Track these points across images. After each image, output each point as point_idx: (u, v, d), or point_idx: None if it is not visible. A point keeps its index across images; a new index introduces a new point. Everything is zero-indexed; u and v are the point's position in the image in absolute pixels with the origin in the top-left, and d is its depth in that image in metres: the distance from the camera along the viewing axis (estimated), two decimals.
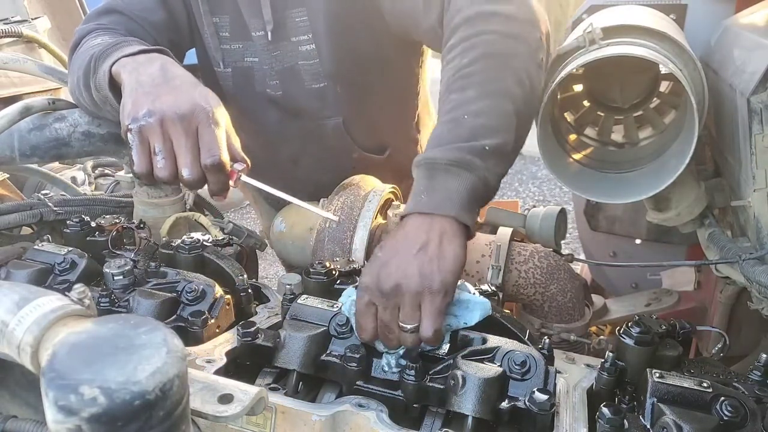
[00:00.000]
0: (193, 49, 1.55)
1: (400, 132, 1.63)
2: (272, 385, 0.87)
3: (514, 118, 0.96)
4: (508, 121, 0.96)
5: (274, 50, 1.42)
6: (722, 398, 0.74)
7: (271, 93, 1.48)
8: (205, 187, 1.03)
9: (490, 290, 1.01)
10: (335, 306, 0.92)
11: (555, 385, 0.83)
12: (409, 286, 0.83)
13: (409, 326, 0.83)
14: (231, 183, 1.02)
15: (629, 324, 0.87)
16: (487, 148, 0.91)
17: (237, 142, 1.06)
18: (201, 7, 1.42)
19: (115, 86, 1.12)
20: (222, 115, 1.03)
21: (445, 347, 0.88)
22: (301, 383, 0.87)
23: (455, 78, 1.00)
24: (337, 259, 1.14)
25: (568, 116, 1.48)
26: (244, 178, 1.04)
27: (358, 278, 1.05)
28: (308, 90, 1.44)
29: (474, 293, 0.90)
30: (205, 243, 1.14)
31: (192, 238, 1.13)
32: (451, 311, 0.87)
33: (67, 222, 1.17)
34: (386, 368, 0.86)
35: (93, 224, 1.18)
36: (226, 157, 1.00)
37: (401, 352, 0.87)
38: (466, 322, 0.87)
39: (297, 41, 1.39)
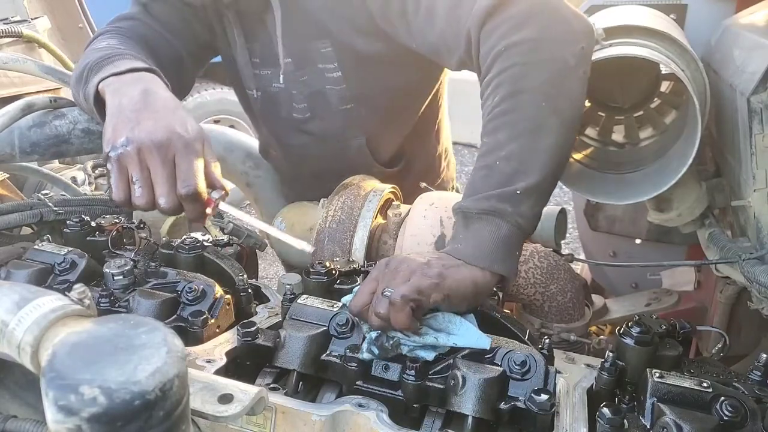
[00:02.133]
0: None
1: (421, 146, 1.66)
2: (272, 385, 0.86)
3: (548, 152, 0.95)
4: (542, 158, 0.95)
5: (302, 76, 1.44)
6: (722, 398, 0.74)
7: (297, 116, 1.50)
8: None
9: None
10: (335, 306, 0.92)
11: (555, 385, 0.83)
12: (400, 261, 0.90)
13: (387, 292, 0.84)
14: (208, 210, 1.02)
15: (629, 324, 0.87)
16: (518, 192, 0.92)
17: (217, 169, 1.05)
18: (235, 33, 1.44)
19: (99, 102, 1.12)
20: (200, 141, 1.02)
21: (430, 356, 0.85)
22: (301, 383, 0.87)
23: (487, 120, 1.00)
24: (337, 259, 1.14)
25: None
26: (222, 206, 1.04)
27: (358, 278, 1.06)
28: (335, 111, 1.46)
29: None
30: (205, 243, 1.14)
31: (192, 238, 1.13)
32: (449, 328, 0.87)
33: (67, 222, 1.17)
34: (365, 353, 0.85)
35: (93, 224, 1.18)
36: (202, 187, 0.99)
37: (373, 335, 0.85)
38: (455, 343, 0.86)
39: (323, 68, 1.41)
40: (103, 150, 1.01)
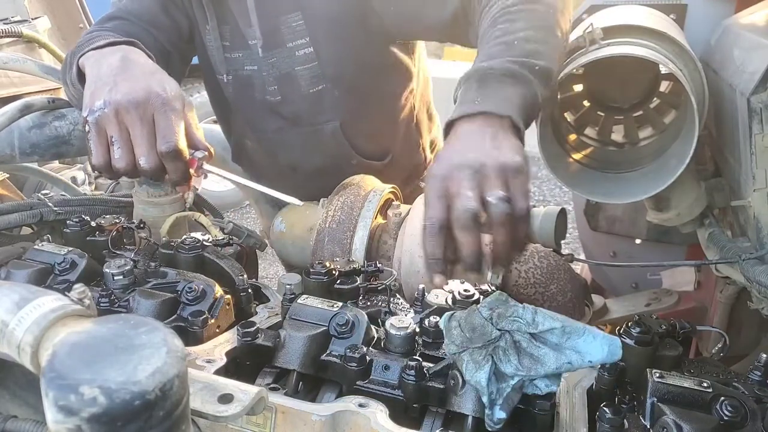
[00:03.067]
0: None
1: (400, 136, 1.63)
2: (272, 385, 0.86)
3: (557, 51, 1.02)
4: (553, 53, 1.00)
5: (270, 57, 1.43)
6: (722, 398, 0.74)
7: (270, 99, 1.49)
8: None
9: (490, 290, 1.01)
10: (335, 306, 0.92)
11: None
12: (489, 163, 0.80)
13: (496, 197, 0.75)
14: (192, 171, 0.99)
15: (629, 324, 0.87)
16: (537, 67, 0.93)
17: (199, 131, 1.03)
18: (207, 15, 1.43)
19: (83, 79, 1.10)
20: (179, 101, 1.01)
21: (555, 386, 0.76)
22: (301, 383, 0.87)
23: (500, 14, 1.03)
24: (337, 259, 1.14)
25: (568, 116, 1.48)
26: (207, 166, 1.01)
27: (358, 278, 1.06)
28: (305, 94, 1.45)
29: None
30: (205, 243, 1.14)
31: (192, 238, 1.13)
32: (573, 346, 0.74)
33: (67, 222, 1.17)
34: (495, 418, 0.73)
35: (93, 224, 1.18)
36: (183, 145, 0.97)
37: (499, 394, 0.73)
38: (590, 360, 0.74)
39: (293, 46, 1.40)
40: (81, 116, 0.99)
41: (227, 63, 1.49)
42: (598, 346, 0.73)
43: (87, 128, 0.98)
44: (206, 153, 1.01)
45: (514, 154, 0.83)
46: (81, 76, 1.11)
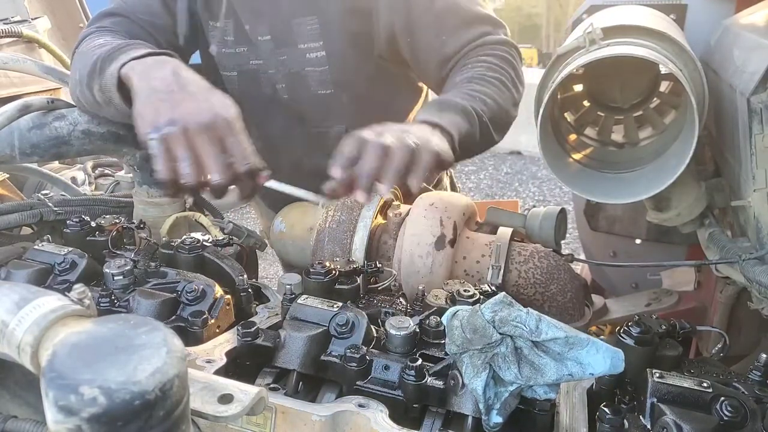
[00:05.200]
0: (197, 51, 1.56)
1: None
2: (272, 385, 0.86)
3: (497, 117, 1.25)
4: (495, 117, 1.24)
5: (281, 55, 1.43)
6: (722, 398, 0.74)
7: (277, 96, 1.49)
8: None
9: (490, 290, 1.01)
10: (335, 306, 0.92)
11: None
12: (423, 143, 1.01)
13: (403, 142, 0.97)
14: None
15: (629, 324, 0.87)
16: (483, 118, 1.19)
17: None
18: (205, 12, 1.43)
19: (122, 89, 1.11)
20: (239, 120, 1.04)
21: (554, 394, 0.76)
22: (301, 383, 0.87)
23: (480, 76, 1.26)
24: (337, 259, 1.14)
25: (568, 116, 1.48)
26: (269, 183, 1.06)
27: (358, 278, 1.06)
28: (314, 95, 1.45)
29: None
30: (205, 243, 1.14)
31: (192, 238, 1.13)
32: (576, 357, 0.74)
33: (67, 222, 1.17)
34: (492, 422, 0.74)
35: (93, 224, 1.18)
36: (258, 163, 1.02)
37: (496, 399, 0.74)
38: (592, 373, 0.73)
39: (305, 48, 1.40)
40: (140, 132, 1.02)
41: (230, 58, 1.49)
42: (600, 359, 0.73)
43: (153, 145, 0.99)
44: (265, 167, 1.06)
45: (443, 148, 1.05)
46: (120, 86, 1.12)
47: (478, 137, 1.19)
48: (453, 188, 1.93)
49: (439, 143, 1.05)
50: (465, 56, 1.33)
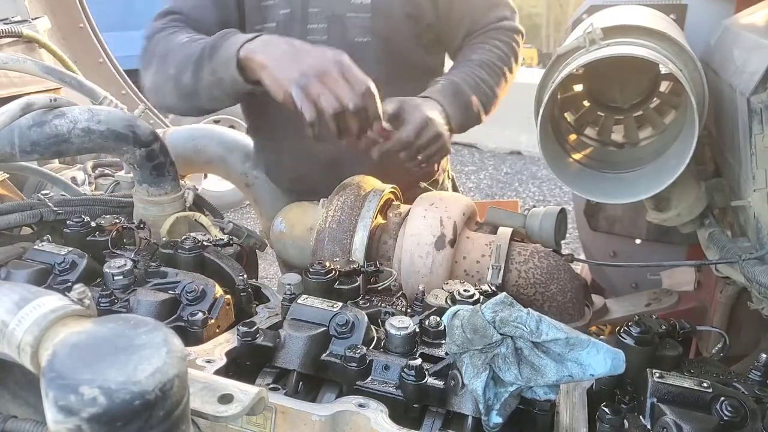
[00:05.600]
0: None
1: None
2: (272, 385, 0.86)
3: (489, 102, 1.55)
4: (488, 103, 1.54)
5: None
6: (722, 398, 0.74)
7: (311, 38, 1.56)
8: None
9: (490, 290, 1.01)
10: (335, 306, 0.92)
11: None
12: (419, 114, 1.35)
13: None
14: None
15: (629, 324, 0.87)
16: (480, 105, 1.51)
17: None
18: None
19: (242, 69, 1.29)
20: (347, 58, 1.24)
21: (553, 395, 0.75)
22: (301, 383, 0.87)
23: (489, 63, 1.55)
24: (337, 259, 1.14)
25: (568, 116, 1.48)
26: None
27: (358, 278, 1.06)
28: (351, 42, 1.55)
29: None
30: (205, 243, 1.14)
31: (192, 238, 1.13)
32: (576, 358, 0.73)
33: (67, 222, 1.17)
34: (492, 422, 0.74)
35: (93, 224, 1.18)
36: (371, 84, 1.22)
37: (496, 399, 0.74)
38: (592, 374, 0.73)
39: None
40: (280, 91, 1.23)
41: (265, 11, 1.57)
42: (601, 360, 0.73)
43: (295, 94, 1.19)
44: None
45: (440, 123, 1.37)
46: (239, 66, 1.30)
47: (469, 123, 1.51)
48: (455, 189, 1.94)
49: (446, 132, 1.38)
50: (485, 34, 1.60)
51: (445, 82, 1.50)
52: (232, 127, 3.95)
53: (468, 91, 1.48)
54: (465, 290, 0.97)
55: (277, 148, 1.76)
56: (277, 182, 1.82)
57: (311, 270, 1.02)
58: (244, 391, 0.65)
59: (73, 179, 1.90)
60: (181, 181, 1.45)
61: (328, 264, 1.03)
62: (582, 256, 2.05)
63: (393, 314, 0.98)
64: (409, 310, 1.02)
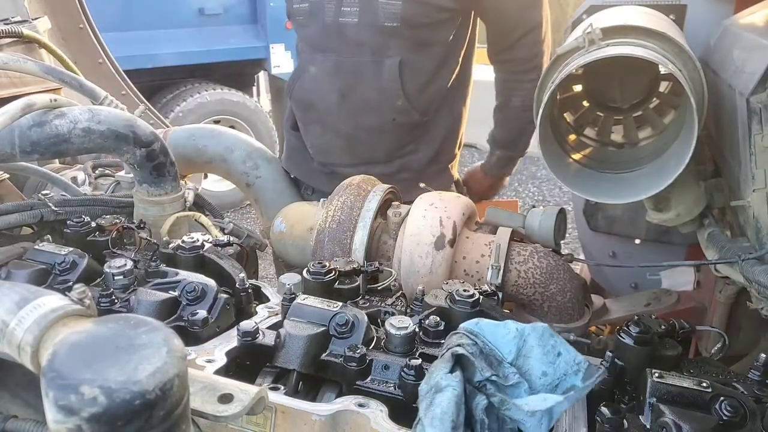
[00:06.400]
0: None
1: (439, 95, 1.87)
2: (272, 385, 0.86)
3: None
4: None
5: None
6: (721, 398, 0.74)
7: (342, 20, 1.68)
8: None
9: (489, 290, 1.01)
10: (335, 306, 0.92)
11: None
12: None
13: None
14: None
15: (628, 324, 0.87)
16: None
17: None
18: None
19: None
20: None
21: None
22: (301, 383, 0.87)
23: (515, 116, 1.94)
24: (337, 259, 1.14)
25: (568, 116, 1.48)
26: None
27: (358, 278, 1.06)
28: (381, 27, 1.65)
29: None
30: (205, 243, 1.14)
31: (192, 238, 1.13)
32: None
33: (68, 222, 1.18)
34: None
35: (93, 224, 1.18)
36: None
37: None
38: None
39: None
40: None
41: None
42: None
43: None
44: None
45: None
46: None
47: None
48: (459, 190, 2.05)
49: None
50: (518, 50, 1.82)
51: (501, 155, 2.02)
52: (232, 127, 3.95)
53: (517, 154, 2.02)
54: (464, 290, 0.97)
55: (309, 119, 1.89)
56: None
57: (311, 270, 1.02)
58: (244, 391, 0.65)
59: (74, 179, 1.91)
60: (181, 181, 1.45)
61: (327, 264, 1.04)
62: (581, 256, 2.05)
63: (393, 314, 0.98)
64: (408, 310, 1.02)
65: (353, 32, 1.70)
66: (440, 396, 0.68)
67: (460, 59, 1.88)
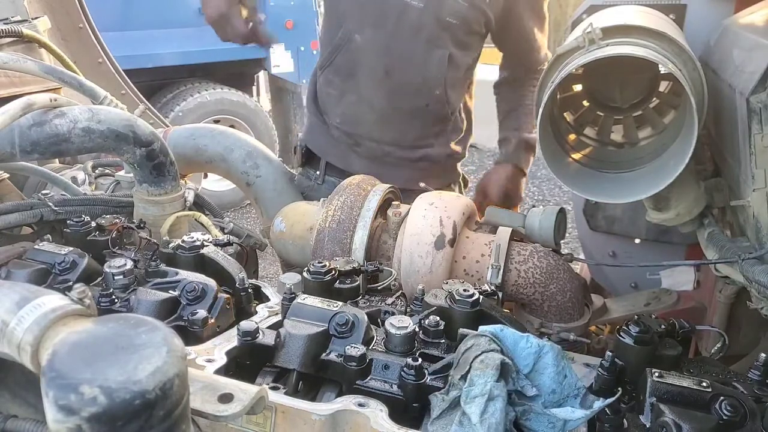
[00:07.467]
0: None
1: (462, 94, 2.02)
2: (272, 385, 0.87)
3: None
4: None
5: None
6: (721, 398, 0.74)
7: (410, 2, 1.75)
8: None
9: (489, 290, 1.01)
10: (335, 305, 0.92)
11: None
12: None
13: None
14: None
15: (628, 323, 0.87)
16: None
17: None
18: None
19: None
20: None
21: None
22: (300, 382, 0.87)
23: (526, 105, 2.08)
24: (337, 258, 1.14)
25: (568, 116, 1.48)
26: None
27: (358, 278, 1.06)
28: (442, 20, 1.76)
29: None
30: (205, 243, 1.14)
31: (192, 238, 1.13)
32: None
33: (68, 222, 1.18)
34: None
35: (93, 224, 1.18)
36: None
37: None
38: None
39: None
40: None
41: None
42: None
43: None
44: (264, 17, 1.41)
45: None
46: None
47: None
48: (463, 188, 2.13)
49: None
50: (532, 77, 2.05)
51: (517, 142, 2.05)
52: (232, 126, 3.96)
53: (533, 141, 2.00)
54: (464, 290, 0.97)
55: (348, 87, 1.94)
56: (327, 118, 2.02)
57: (311, 269, 1.02)
58: (244, 391, 0.66)
59: (74, 179, 1.91)
60: (181, 181, 1.45)
61: (327, 263, 1.04)
62: (581, 256, 2.05)
63: (393, 314, 0.98)
64: (408, 310, 1.02)
65: (415, 15, 1.77)
66: (493, 405, 0.72)
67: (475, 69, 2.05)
